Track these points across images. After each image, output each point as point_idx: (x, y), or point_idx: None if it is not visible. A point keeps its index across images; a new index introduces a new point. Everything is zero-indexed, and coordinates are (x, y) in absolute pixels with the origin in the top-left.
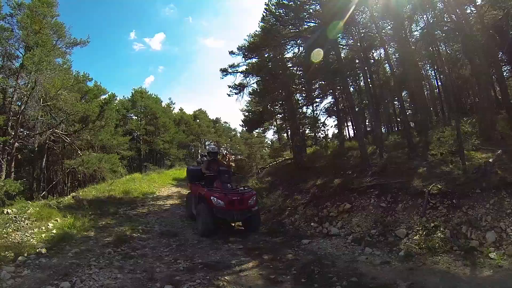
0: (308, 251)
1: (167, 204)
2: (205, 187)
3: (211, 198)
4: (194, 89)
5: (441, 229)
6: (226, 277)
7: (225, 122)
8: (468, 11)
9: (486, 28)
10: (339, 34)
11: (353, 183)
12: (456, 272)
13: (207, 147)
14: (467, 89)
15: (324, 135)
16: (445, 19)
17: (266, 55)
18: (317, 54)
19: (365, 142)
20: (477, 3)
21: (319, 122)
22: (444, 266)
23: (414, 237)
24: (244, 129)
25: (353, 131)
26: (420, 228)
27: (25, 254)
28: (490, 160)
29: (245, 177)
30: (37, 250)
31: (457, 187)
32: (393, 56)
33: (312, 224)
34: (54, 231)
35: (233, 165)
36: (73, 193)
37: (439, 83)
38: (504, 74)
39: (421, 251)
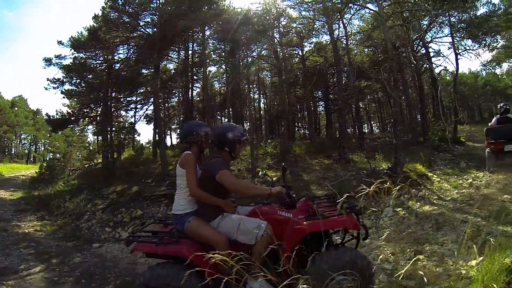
0: (96, 255)
1: None
2: None
3: None
4: (15, 73)
5: None
6: (10, 282)
7: (46, 115)
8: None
9: (307, 69)
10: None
11: (145, 192)
12: None
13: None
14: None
15: (146, 142)
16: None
17: (94, 53)
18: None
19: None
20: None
21: (134, 128)
22: None
23: None
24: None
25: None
26: None
27: None
28: (274, 178)
29: (55, 179)
30: None
31: None
32: (224, 76)
33: (106, 229)
34: None
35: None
36: None
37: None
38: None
39: None
